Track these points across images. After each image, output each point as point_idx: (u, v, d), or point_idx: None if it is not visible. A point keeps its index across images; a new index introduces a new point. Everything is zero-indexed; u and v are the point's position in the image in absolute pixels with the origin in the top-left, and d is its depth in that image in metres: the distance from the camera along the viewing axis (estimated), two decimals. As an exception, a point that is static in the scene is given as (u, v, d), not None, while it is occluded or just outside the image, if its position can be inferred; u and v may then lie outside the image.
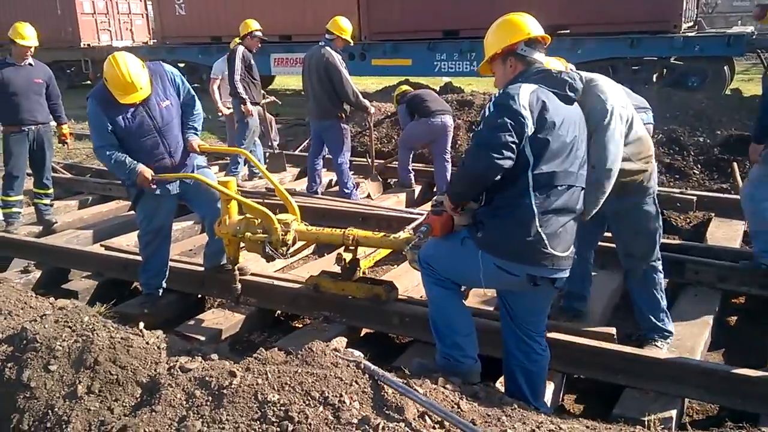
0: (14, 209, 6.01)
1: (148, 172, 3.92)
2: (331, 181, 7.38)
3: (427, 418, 2.29)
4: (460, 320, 2.91)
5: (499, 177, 2.58)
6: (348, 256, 3.81)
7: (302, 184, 7.25)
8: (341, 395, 2.29)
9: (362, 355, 2.56)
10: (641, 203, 3.44)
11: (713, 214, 5.80)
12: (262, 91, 8.05)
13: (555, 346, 3.26)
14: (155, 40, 18.03)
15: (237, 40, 7.63)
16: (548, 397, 3.18)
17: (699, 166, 7.13)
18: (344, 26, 6.52)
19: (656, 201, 3.50)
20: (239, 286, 4.03)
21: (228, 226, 3.90)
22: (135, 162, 3.92)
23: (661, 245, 3.64)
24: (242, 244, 3.98)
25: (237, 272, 4.04)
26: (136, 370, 2.51)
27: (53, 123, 6.30)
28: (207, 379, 2.37)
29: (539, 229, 2.60)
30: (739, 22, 17.96)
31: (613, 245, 3.77)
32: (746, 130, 7.51)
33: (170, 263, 4.44)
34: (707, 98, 8.54)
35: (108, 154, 3.93)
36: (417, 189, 7.25)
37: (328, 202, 6.41)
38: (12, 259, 5.29)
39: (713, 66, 11.08)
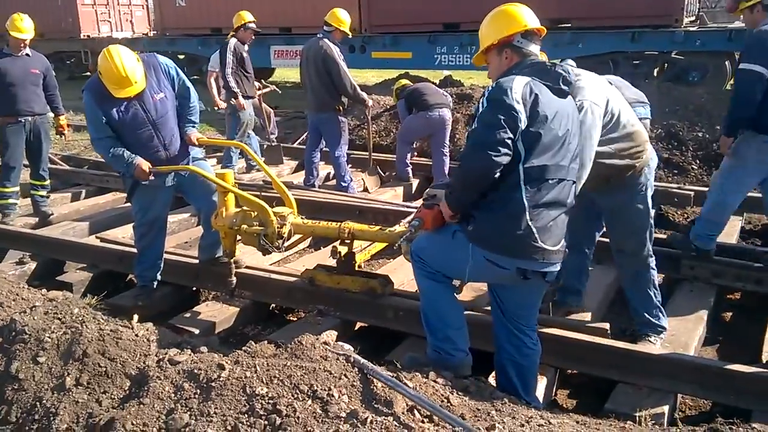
0: (10, 200, 6.00)
1: (146, 165, 3.90)
2: (328, 174, 7.36)
3: (416, 412, 2.28)
4: (451, 313, 2.90)
5: (498, 174, 2.56)
6: (343, 250, 3.79)
7: (300, 177, 7.23)
8: (330, 389, 2.28)
9: (352, 349, 2.55)
10: (633, 200, 3.42)
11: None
12: (262, 81, 8.00)
13: (548, 341, 3.26)
14: (155, 32, 17.99)
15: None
16: (541, 392, 3.17)
17: (698, 162, 7.10)
18: (342, 18, 6.48)
19: (649, 198, 3.47)
20: (234, 279, 4.02)
21: (224, 218, 3.89)
22: (133, 155, 3.91)
23: (656, 240, 3.64)
24: (239, 237, 3.97)
25: (233, 265, 4.03)
26: (125, 362, 2.50)
27: (51, 114, 6.28)
28: (196, 371, 2.36)
29: (530, 223, 2.58)
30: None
31: (608, 240, 3.76)
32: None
33: (165, 255, 4.43)
34: (707, 93, 8.50)
35: (105, 146, 3.92)
36: (414, 183, 7.23)
37: (325, 195, 6.40)
38: (7, 251, 5.28)
39: (714, 61, 11.02)
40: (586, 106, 3.00)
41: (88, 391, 2.43)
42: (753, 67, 3.99)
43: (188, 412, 2.24)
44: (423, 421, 2.23)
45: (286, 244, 3.87)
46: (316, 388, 2.28)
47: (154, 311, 4.17)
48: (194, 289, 4.62)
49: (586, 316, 3.88)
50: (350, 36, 6.91)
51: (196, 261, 4.47)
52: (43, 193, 6.21)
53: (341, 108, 6.54)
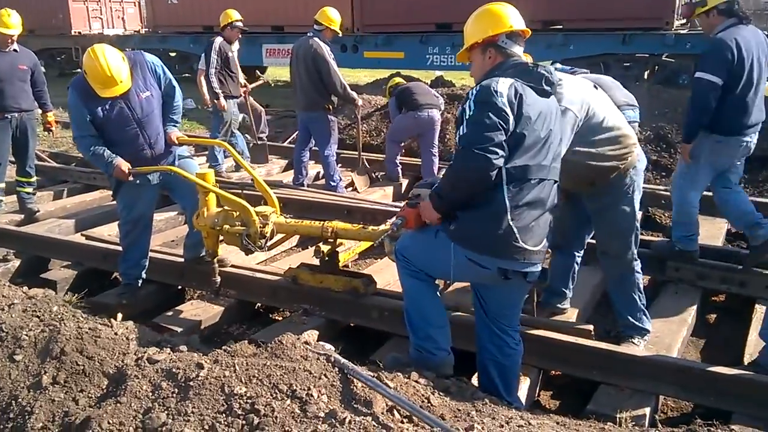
0: (-4, 197, 5.96)
1: (125, 166, 3.89)
2: (318, 173, 7.34)
3: (395, 412, 2.27)
4: (433, 312, 2.90)
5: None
6: (326, 249, 3.78)
7: (289, 176, 7.21)
8: (309, 388, 2.27)
9: (333, 349, 2.54)
10: (618, 202, 3.42)
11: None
12: (257, 73, 7.93)
13: (531, 341, 3.26)
14: (147, 29, 17.90)
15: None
16: (524, 393, 3.17)
17: (686, 164, 7.12)
18: (333, 17, 6.47)
19: (636, 201, 3.47)
20: (218, 278, 4.00)
21: (206, 218, 3.87)
22: (113, 155, 3.89)
23: (643, 242, 3.65)
24: (221, 237, 3.95)
25: (216, 264, 4.01)
26: (103, 360, 2.48)
27: (38, 110, 6.23)
28: (174, 370, 2.35)
29: (511, 223, 2.58)
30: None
31: (594, 241, 3.77)
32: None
33: (150, 254, 4.40)
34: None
35: (87, 144, 3.91)
36: (404, 182, 7.22)
37: (314, 194, 6.38)
38: (-8, 248, 5.24)
39: (704, 64, 11.06)
40: (562, 110, 3.02)
41: (65, 390, 2.40)
42: (707, 76, 4.08)
43: (165, 412, 2.22)
44: (402, 422, 2.23)
45: (269, 243, 3.85)
46: (295, 387, 2.27)
47: (138, 310, 4.14)
48: (179, 287, 4.59)
49: (572, 317, 3.89)
50: (340, 35, 6.89)
51: (182, 260, 4.44)
52: (30, 189, 6.17)
53: (331, 107, 6.52)
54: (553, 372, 3.55)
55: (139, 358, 2.48)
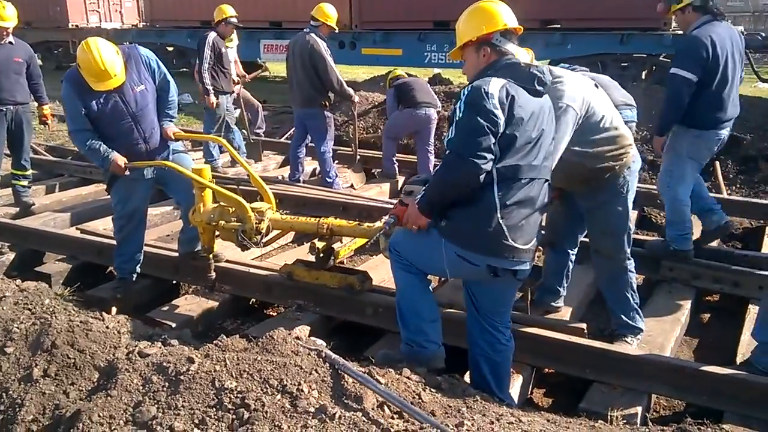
0: (-10, 190, 5.95)
1: (122, 160, 3.88)
2: (314, 169, 7.33)
3: (386, 408, 2.27)
4: (425, 306, 2.92)
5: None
6: (321, 245, 3.78)
7: (285, 172, 7.20)
8: (300, 384, 2.27)
9: (324, 344, 2.54)
10: (611, 201, 3.42)
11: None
12: (258, 60, 7.85)
13: (524, 339, 3.27)
14: (145, 23, 17.84)
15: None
16: (516, 390, 3.18)
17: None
18: (329, 13, 6.45)
19: (629, 201, 3.47)
20: (214, 274, 4.00)
21: (202, 214, 3.86)
22: (109, 150, 3.89)
23: (636, 241, 3.65)
24: (217, 233, 3.94)
25: (212, 260, 4.00)
26: (94, 354, 2.48)
27: (34, 103, 6.21)
28: (165, 364, 2.35)
29: (500, 221, 2.59)
30: (729, 21, 17.92)
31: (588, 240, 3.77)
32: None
33: (145, 248, 4.40)
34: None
35: (82, 139, 3.90)
36: (401, 179, 7.22)
37: (310, 190, 6.38)
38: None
39: (702, 64, 11.07)
40: (563, 107, 3.02)
41: (55, 383, 2.40)
42: (682, 72, 4.15)
43: (156, 405, 2.22)
44: (392, 417, 2.23)
45: (264, 239, 3.84)
46: (285, 382, 2.27)
47: (132, 304, 4.14)
48: (174, 282, 4.58)
49: (565, 316, 3.89)
50: (337, 31, 6.87)
51: (177, 254, 4.44)
52: (25, 183, 6.14)
53: (327, 103, 6.51)
54: (547, 370, 3.55)
55: (130, 352, 2.48)
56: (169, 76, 4.16)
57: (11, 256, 4.92)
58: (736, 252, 4.76)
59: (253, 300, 4.36)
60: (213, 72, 7.15)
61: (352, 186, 6.98)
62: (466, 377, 3.07)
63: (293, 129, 7.61)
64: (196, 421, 2.15)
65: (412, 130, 7.03)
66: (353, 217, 5.27)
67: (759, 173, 6.93)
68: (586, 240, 3.84)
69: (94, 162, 4.23)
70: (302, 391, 2.24)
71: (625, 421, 2.85)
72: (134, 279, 4.35)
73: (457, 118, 2.59)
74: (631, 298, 3.58)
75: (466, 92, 2.61)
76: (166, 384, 2.28)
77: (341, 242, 4.16)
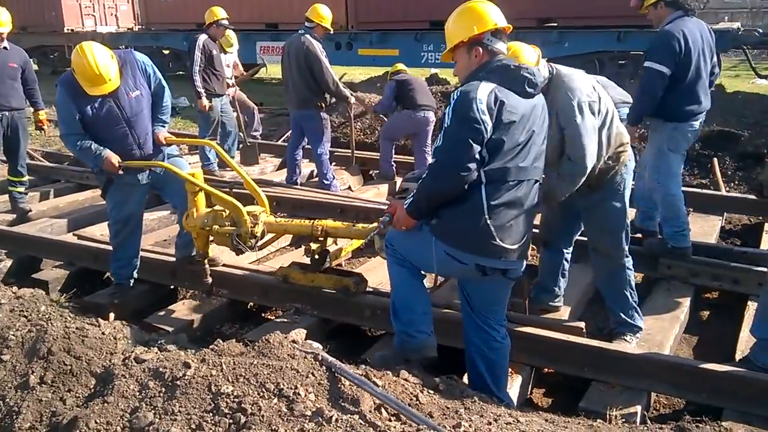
0: (-13, 197, 5.93)
1: (115, 158, 3.86)
2: (312, 172, 7.32)
3: (383, 410, 2.27)
4: (417, 300, 2.94)
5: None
6: (316, 247, 3.77)
7: (283, 175, 7.19)
8: (296, 387, 2.26)
9: (320, 347, 2.53)
10: (609, 200, 3.42)
11: (691, 209, 5.79)
12: (258, 55, 7.80)
13: (523, 339, 3.27)
14: (140, 26, 17.84)
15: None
16: (516, 391, 3.17)
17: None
18: (324, 14, 6.43)
19: (626, 198, 3.47)
20: (210, 279, 3.98)
21: (195, 219, 3.84)
22: (101, 148, 3.86)
23: (634, 239, 3.64)
24: (211, 237, 3.93)
25: (207, 265, 3.99)
26: (91, 360, 2.47)
27: (29, 109, 6.20)
28: (161, 370, 2.34)
29: (488, 222, 2.62)
30: (726, 18, 17.97)
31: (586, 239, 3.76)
32: (728, 126, 7.53)
33: (142, 253, 4.38)
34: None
35: (73, 141, 3.88)
36: (398, 181, 7.20)
37: (307, 193, 6.37)
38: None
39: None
40: (586, 107, 3.09)
41: (52, 390, 2.39)
42: (656, 66, 4.21)
43: (152, 411, 2.21)
44: (390, 420, 2.22)
45: (259, 243, 3.83)
46: (282, 386, 2.26)
47: (130, 309, 4.13)
48: (172, 287, 4.57)
49: (564, 315, 3.89)
50: (332, 32, 6.86)
51: (173, 259, 4.43)
52: (21, 189, 6.13)
53: (323, 105, 6.49)
54: (546, 370, 3.54)
55: (126, 358, 2.47)
56: (164, 82, 4.15)
57: (8, 262, 4.91)
58: (734, 249, 4.75)
59: (251, 304, 4.35)
60: (204, 75, 7.07)
61: (349, 188, 6.97)
62: (465, 379, 3.07)
63: (290, 131, 7.60)
64: (193, 426, 2.14)
65: (410, 132, 7.02)
66: (351, 218, 5.26)
67: (758, 169, 6.91)
68: (584, 239, 3.84)
69: (86, 163, 4.20)
70: (299, 394, 2.23)
71: (624, 420, 2.84)
72: (131, 284, 4.34)
73: (446, 125, 2.62)
74: (629, 297, 3.57)
75: (455, 96, 2.63)
76: (163, 389, 2.28)
77: (336, 244, 4.15)
